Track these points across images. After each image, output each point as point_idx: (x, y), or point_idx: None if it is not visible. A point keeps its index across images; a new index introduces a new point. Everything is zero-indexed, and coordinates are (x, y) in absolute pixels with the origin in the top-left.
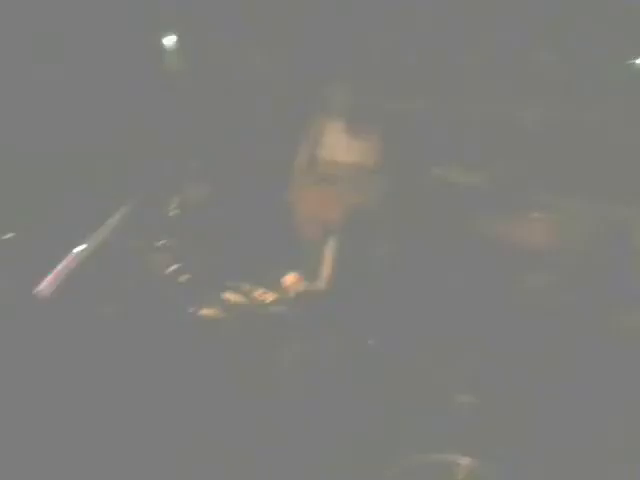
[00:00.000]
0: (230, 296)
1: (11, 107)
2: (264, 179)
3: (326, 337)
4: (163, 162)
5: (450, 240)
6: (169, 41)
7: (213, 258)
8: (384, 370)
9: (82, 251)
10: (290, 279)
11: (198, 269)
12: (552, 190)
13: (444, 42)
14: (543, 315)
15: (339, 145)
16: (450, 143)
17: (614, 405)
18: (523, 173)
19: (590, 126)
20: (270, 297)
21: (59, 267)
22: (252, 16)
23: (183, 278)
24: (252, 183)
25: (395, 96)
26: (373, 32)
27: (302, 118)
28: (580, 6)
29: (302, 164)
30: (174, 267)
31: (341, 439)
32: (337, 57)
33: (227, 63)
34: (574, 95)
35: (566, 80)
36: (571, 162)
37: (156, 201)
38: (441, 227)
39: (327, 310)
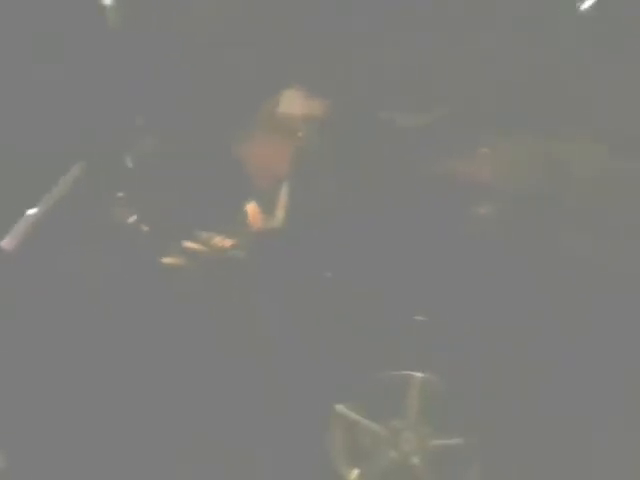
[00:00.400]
0: (190, 244)
1: None
2: (217, 131)
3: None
4: (114, 117)
5: (399, 179)
6: None
7: (171, 208)
8: (341, 300)
9: (42, 206)
10: (251, 209)
11: (157, 219)
12: (496, 128)
13: None
14: (490, 243)
15: (293, 99)
16: (395, 88)
17: (559, 332)
18: (467, 113)
19: (533, 64)
20: (229, 243)
21: (20, 223)
22: None
23: (144, 228)
24: (205, 135)
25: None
26: None
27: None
28: None
29: (261, 118)
30: (134, 218)
31: (304, 364)
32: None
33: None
34: (519, 33)
35: (511, 18)
36: (514, 100)
37: (112, 154)
38: (390, 167)
39: (283, 249)
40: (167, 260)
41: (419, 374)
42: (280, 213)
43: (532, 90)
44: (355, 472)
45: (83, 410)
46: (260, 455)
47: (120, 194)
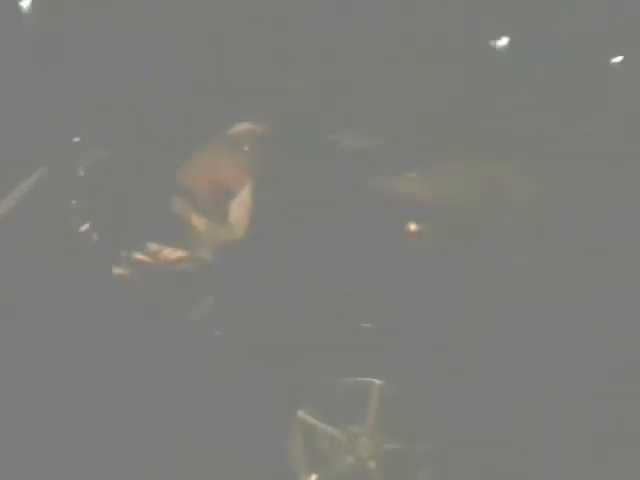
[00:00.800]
0: (140, 256)
1: None
2: (170, 142)
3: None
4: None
5: (346, 197)
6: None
7: (123, 218)
8: (298, 308)
9: None
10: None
11: (109, 229)
12: (435, 151)
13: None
14: (431, 257)
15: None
16: (342, 112)
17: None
18: (409, 136)
19: (470, 93)
20: (178, 255)
21: None
22: None
23: (95, 237)
24: (156, 145)
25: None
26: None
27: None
28: None
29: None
30: (86, 226)
31: (264, 370)
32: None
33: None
34: (452, 65)
35: (446, 50)
36: (453, 125)
37: (64, 163)
38: (338, 185)
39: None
40: (116, 270)
41: (378, 381)
42: (239, 225)
43: (468, 115)
44: (313, 477)
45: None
46: (218, 459)
47: (74, 201)
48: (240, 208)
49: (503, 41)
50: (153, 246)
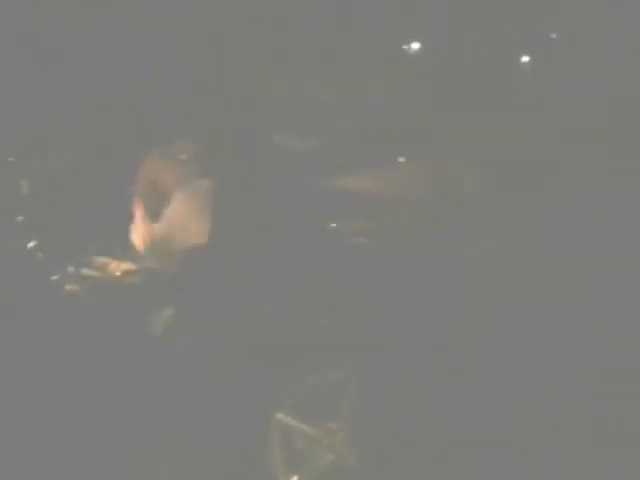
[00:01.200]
0: (87, 271)
1: None
2: (114, 153)
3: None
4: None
5: (292, 194)
6: None
7: (69, 233)
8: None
9: None
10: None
11: (55, 244)
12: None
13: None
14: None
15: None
16: (287, 115)
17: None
18: (356, 136)
19: (416, 94)
20: (125, 268)
21: None
22: None
23: (42, 254)
24: (100, 157)
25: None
26: None
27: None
28: None
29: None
30: (32, 243)
31: (238, 372)
32: None
33: None
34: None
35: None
36: (407, 124)
37: (8, 179)
38: (283, 185)
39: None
40: (66, 286)
41: (352, 375)
42: (205, 228)
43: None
44: (294, 478)
45: None
46: (197, 462)
47: (20, 218)
48: (194, 216)
49: (415, 45)
50: (99, 260)
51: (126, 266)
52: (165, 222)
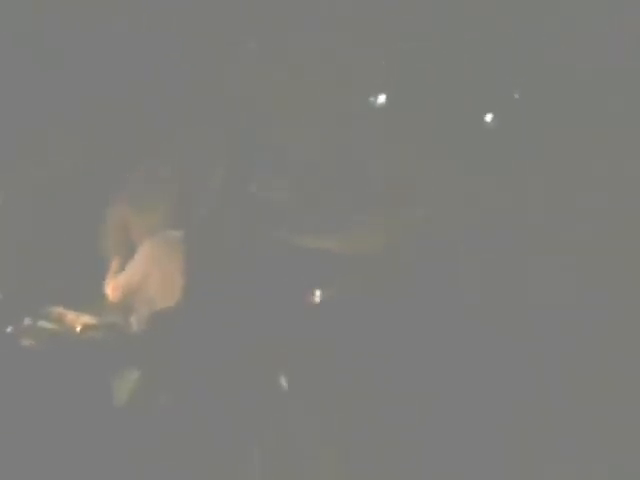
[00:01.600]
0: (44, 323)
1: None
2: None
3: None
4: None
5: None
6: None
7: (24, 281)
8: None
9: None
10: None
11: (10, 294)
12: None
13: None
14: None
15: None
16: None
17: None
18: (324, 195)
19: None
20: (84, 320)
21: None
22: None
23: None
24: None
25: None
26: None
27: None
28: None
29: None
30: None
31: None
32: None
33: None
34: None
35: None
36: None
37: None
38: (253, 236)
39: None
40: (21, 339)
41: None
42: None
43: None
44: None
45: None
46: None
47: None
48: (164, 269)
49: (381, 99)
50: (56, 311)
51: (86, 319)
52: (130, 273)
